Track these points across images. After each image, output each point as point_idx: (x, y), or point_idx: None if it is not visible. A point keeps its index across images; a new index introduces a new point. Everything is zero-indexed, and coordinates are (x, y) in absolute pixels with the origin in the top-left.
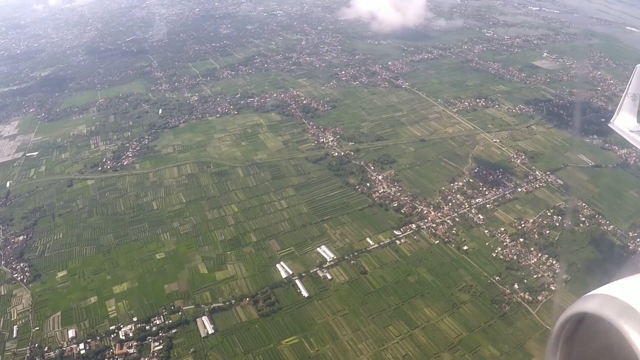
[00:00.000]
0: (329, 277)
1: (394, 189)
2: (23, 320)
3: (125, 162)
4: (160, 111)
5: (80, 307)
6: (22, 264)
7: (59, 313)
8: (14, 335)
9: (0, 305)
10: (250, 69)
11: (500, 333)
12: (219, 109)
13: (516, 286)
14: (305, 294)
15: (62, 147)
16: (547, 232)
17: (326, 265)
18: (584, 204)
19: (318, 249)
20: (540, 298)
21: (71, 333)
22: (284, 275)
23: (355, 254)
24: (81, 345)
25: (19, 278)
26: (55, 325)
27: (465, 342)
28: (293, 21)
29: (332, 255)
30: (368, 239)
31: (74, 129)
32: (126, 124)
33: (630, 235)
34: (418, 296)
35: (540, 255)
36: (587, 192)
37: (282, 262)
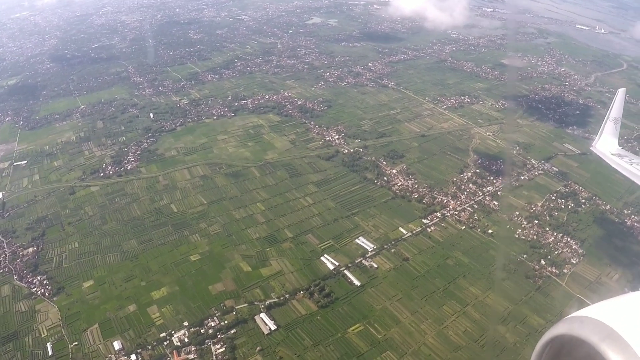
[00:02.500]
0: (375, 265)
1: (410, 182)
2: (56, 336)
3: (129, 167)
4: (151, 115)
5: (119, 317)
6: (39, 277)
7: (96, 325)
8: (50, 353)
9: (25, 322)
10: (233, 72)
11: (541, 304)
12: (214, 112)
13: (543, 262)
14: (357, 283)
15: (52, 155)
16: (556, 213)
17: (368, 255)
18: (581, 188)
19: (357, 240)
20: (565, 271)
21: (117, 345)
22: (330, 267)
23: (393, 242)
24: (132, 357)
25: (39, 292)
26: (95, 339)
27: (513, 314)
28: (262, 25)
29: (371, 245)
30: (401, 229)
31: (61, 136)
32: (118, 129)
33: (625, 212)
34: (461, 277)
35: (555, 234)
36: (581, 177)
37: (325, 255)
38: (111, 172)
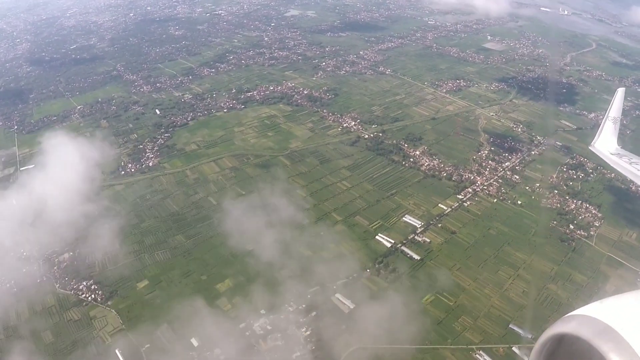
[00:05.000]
0: (428, 240)
1: (435, 162)
2: (122, 341)
3: (151, 164)
4: (157, 111)
5: (188, 314)
6: (85, 283)
7: (164, 325)
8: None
9: (81, 330)
10: (229, 66)
11: (579, 263)
12: (222, 105)
13: (571, 226)
14: (416, 257)
15: None
16: (570, 183)
17: (418, 231)
18: (585, 159)
19: (403, 218)
20: (592, 233)
21: (195, 341)
22: (387, 245)
23: (437, 218)
24: (216, 351)
25: (89, 298)
26: (168, 338)
27: (559, 274)
28: (241, 20)
29: (419, 222)
30: (440, 205)
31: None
32: (125, 127)
33: (628, 179)
34: (506, 244)
35: (575, 201)
36: (583, 150)
37: (380, 234)
38: (133, 170)
